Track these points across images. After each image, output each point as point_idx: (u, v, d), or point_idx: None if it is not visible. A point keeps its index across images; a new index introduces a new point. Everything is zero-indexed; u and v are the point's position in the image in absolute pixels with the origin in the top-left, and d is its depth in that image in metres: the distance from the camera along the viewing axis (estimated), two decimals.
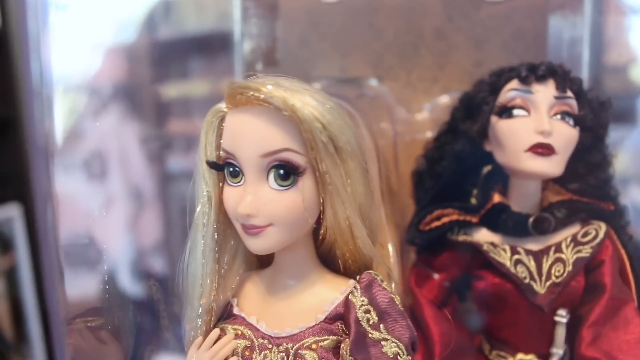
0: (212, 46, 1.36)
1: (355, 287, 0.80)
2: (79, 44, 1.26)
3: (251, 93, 0.73)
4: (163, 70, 1.45)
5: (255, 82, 0.74)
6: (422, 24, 1.19)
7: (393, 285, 0.84)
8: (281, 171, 0.74)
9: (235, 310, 0.84)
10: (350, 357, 0.76)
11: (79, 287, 1.16)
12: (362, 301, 0.78)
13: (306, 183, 0.75)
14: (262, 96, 0.72)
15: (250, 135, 0.74)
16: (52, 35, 1.18)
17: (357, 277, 0.81)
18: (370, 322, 0.78)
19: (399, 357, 0.76)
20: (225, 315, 0.84)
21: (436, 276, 1.02)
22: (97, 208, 1.38)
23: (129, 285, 1.23)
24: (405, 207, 1.10)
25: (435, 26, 1.19)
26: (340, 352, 0.78)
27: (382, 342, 0.77)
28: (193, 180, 0.81)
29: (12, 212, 1.95)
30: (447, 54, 1.20)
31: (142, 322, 1.01)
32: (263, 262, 0.89)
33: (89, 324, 0.95)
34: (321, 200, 0.76)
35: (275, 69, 1.22)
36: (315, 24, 1.21)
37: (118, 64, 1.41)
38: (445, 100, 1.20)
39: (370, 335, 0.77)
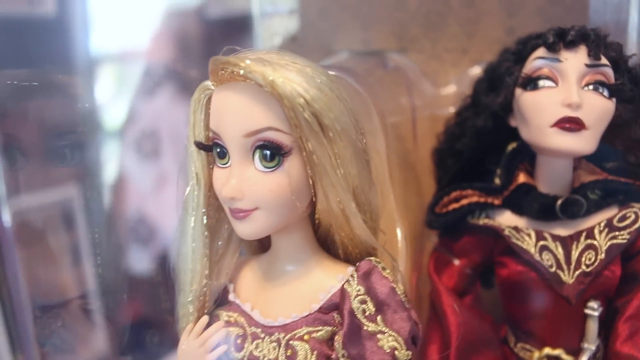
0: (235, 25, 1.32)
1: (352, 276, 0.74)
2: (131, 24, 1.26)
3: (231, 68, 0.68)
4: (213, 51, 1.43)
5: (237, 56, 0.69)
6: None
7: (398, 275, 0.79)
8: (265, 152, 0.69)
9: (231, 297, 0.80)
10: (344, 351, 0.72)
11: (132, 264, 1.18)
12: (358, 290, 0.73)
13: (293, 164, 0.70)
14: (241, 71, 0.67)
15: (233, 114, 0.70)
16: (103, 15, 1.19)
17: (357, 265, 0.76)
18: (367, 313, 0.72)
19: (396, 352, 0.71)
20: (221, 300, 0.81)
21: (457, 262, 0.95)
22: (149, 187, 1.38)
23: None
24: (427, 187, 1.03)
25: None
26: (334, 345, 0.73)
27: (379, 335, 0.71)
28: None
29: None
30: (476, 22, 1.10)
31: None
32: (264, 245, 0.85)
33: (84, 307, 0.94)
34: (311, 183, 0.71)
35: (295, 43, 1.17)
36: None
37: (169, 43, 1.40)
38: (476, 72, 1.11)
39: (365, 327, 0.72)
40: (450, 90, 1.10)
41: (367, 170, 0.74)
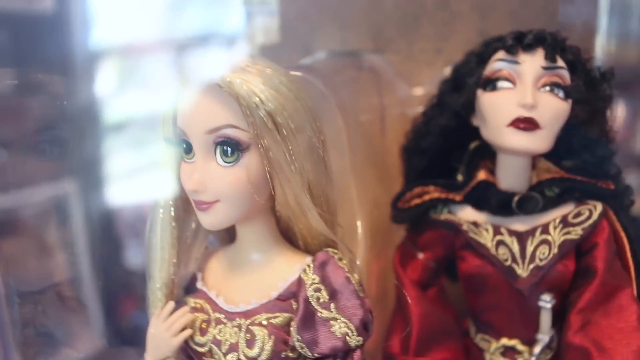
0: None
1: (308, 265, 0.79)
2: (130, 19, 1.30)
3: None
4: None
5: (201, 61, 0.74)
6: None
7: (355, 266, 0.83)
8: (225, 147, 0.74)
9: (199, 284, 0.86)
10: (298, 335, 0.76)
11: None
12: (314, 279, 0.78)
13: (251, 159, 0.75)
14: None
15: (196, 112, 0.75)
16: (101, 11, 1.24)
17: (315, 255, 0.80)
18: (321, 301, 0.77)
19: (347, 337, 0.75)
20: (190, 288, 0.87)
21: (421, 255, 0.99)
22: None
23: None
24: (400, 184, 1.07)
25: None
26: (291, 331, 0.78)
27: (331, 322, 0.76)
28: None
29: None
30: (450, 24, 1.14)
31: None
32: (233, 236, 0.89)
33: (62, 293, 1.00)
34: (269, 177, 0.76)
35: (275, 43, 1.21)
36: None
37: None
38: (449, 72, 1.14)
39: (319, 314, 0.76)
40: (423, 90, 1.13)
41: (323, 166, 0.79)
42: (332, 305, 0.77)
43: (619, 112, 1.35)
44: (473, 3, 1.12)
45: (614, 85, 0.93)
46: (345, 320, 0.76)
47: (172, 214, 0.82)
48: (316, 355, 0.76)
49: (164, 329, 0.81)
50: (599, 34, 1.10)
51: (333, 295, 0.77)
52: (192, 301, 0.84)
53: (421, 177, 1.00)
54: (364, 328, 0.77)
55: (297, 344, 0.77)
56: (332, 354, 0.76)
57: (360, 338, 0.76)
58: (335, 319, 0.76)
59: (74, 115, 1.22)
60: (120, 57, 1.38)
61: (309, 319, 0.76)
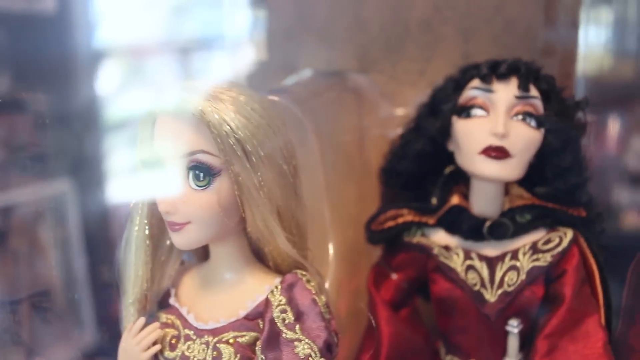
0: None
1: (276, 287, 0.81)
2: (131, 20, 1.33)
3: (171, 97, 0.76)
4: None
5: (178, 87, 0.77)
6: (409, 15, 1.16)
7: (327, 287, 0.85)
8: (197, 172, 0.76)
9: (171, 300, 0.88)
10: (262, 355, 0.78)
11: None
12: (280, 301, 0.80)
13: (222, 184, 0.77)
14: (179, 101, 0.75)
15: (171, 137, 0.77)
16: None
17: (284, 277, 0.82)
18: (286, 322, 0.79)
19: (310, 358, 0.77)
20: (163, 303, 0.89)
21: (394, 276, 1.01)
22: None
23: None
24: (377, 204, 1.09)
25: (422, 17, 1.15)
26: (256, 350, 0.80)
27: (295, 343, 0.78)
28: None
29: None
30: (434, 46, 1.16)
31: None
32: (209, 253, 0.92)
33: (38, 304, 1.02)
34: (239, 201, 0.78)
35: (262, 61, 1.23)
36: (301, 16, 1.20)
37: None
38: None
39: (284, 334, 0.78)
40: (405, 111, 1.15)
41: (293, 191, 0.81)
42: (297, 326, 0.79)
43: (611, 128, 1.37)
44: (457, 26, 1.14)
45: (607, 102, 0.95)
46: (309, 342, 0.78)
47: (147, 232, 0.85)
48: None
49: (134, 343, 0.83)
50: (578, 60, 1.11)
51: (299, 316, 0.79)
52: (164, 316, 0.86)
53: (397, 199, 1.02)
54: (327, 350, 0.79)
55: None
56: None
57: None
58: (300, 340, 0.78)
59: (74, 114, 1.25)
60: (121, 58, 1.41)
61: (273, 339, 0.78)
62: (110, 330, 1.16)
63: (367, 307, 1.01)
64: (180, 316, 0.85)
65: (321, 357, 0.78)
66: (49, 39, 1.25)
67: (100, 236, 1.31)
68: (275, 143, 0.78)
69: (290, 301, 0.80)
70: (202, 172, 0.76)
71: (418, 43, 1.16)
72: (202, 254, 0.93)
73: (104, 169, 1.34)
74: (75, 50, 1.32)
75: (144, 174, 0.83)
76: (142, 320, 0.85)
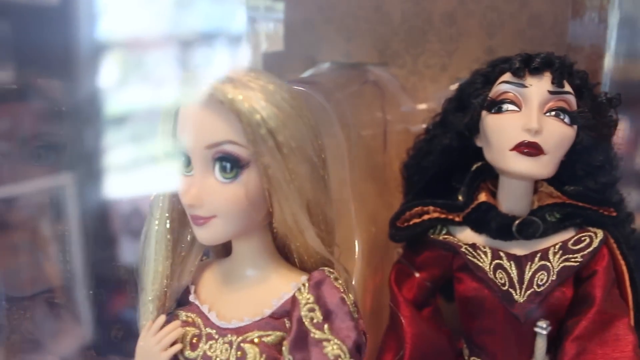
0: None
1: (304, 284, 0.78)
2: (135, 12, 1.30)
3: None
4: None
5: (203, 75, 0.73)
6: (432, 7, 1.13)
7: (351, 287, 0.82)
8: (224, 163, 0.73)
9: (191, 298, 0.84)
10: (290, 356, 0.75)
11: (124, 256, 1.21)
12: (308, 299, 0.77)
13: (250, 176, 0.73)
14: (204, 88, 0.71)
15: (197, 127, 0.74)
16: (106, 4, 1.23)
17: (311, 274, 0.79)
18: (314, 321, 0.76)
19: (339, 359, 0.74)
20: (183, 300, 0.86)
21: (417, 275, 0.98)
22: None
23: None
24: (399, 200, 1.06)
25: (445, 10, 1.12)
26: (283, 350, 0.77)
27: (324, 343, 0.75)
28: None
29: None
30: (456, 40, 1.13)
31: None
32: (229, 250, 0.88)
33: (50, 300, 0.99)
34: (267, 195, 0.75)
35: (280, 52, 1.20)
36: (321, 7, 1.17)
37: None
38: (454, 89, 1.14)
39: (312, 334, 0.75)
40: (428, 106, 1.12)
41: (323, 185, 0.77)
42: (326, 326, 0.75)
43: (621, 130, 1.35)
44: (481, 21, 1.11)
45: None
46: (339, 342, 0.75)
47: (168, 226, 0.81)
48: None
49: (153, 342, 0.80)
50: (607, 56, 1.09)
51: (327, 316, 0.76)
52: (183, 314, 0.83)
53: (421, 195, 0.99)
54: (356, 350, 0.76)
55: None
56: None
57: None
58: (329, 340, 0.75)
59: (75, 108, 1.21)
60: (123, 51, 1.37)
61: (302, 339, 0.75)
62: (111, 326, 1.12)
63: (390, 305, 0.98)
64: (201, 314, 0.82)
65: (351, 357, 0.75)
66: (53, 31, 1.22)
67: (101, 231, 1.28)
68: (306, 134, 0.74)
69: (319, 300, 0.77)
70: (229, 164, 0.73)
71: (441, 37, 1.13)
72: (222, 250, 0.89)
73: (104, 163, 1.30)
74: (78, 43, 1.29)
75: (166, 166, 0.80)
76: (163, 318, 0.81)
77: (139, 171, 0.81)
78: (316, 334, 0.75)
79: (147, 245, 0.82)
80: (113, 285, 1.15)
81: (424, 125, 1.07)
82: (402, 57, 1.16)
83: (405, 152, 1.04)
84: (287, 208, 0.74)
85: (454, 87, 1.14)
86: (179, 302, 0.86)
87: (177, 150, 0.77)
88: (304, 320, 0.76)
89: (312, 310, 0.76)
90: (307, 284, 0.78)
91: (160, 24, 1.33)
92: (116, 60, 1.38)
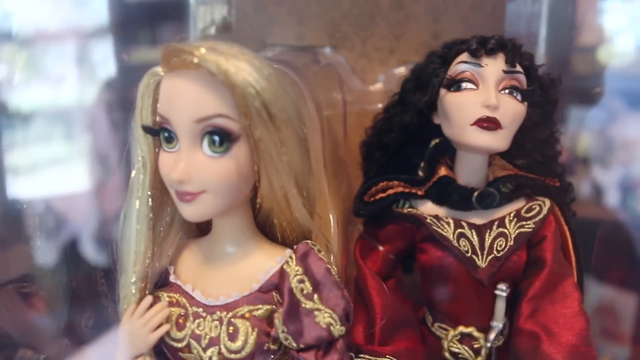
0: (168, 12, 1.33)
1: (290, 257, 0.79)
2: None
3: (184, 56, 0.71)
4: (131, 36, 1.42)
5: (190, 45, 0.72)
6: None
7: (332, 257, 0.85)
8: (215, 137, 0.72)
9: (172, 278, 0.83)
10: (283, 327, 0.76)
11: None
12: (297, 271, 0.78)
13: (240, 150, 0.74)
14: (196, 60, 0.70)
15: (184, 100, 0.72)
16: None
17: (295, 247, 0.81)
18: (304, 292, 0.77)
19: (331, 327, 0.77)
20: (161, 282, 0.84)
21: (381, 248, 1.02)
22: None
23: (92, 252, 1.21)
24: (355, 178, 1.09)
25: None
26: (274, 322, 0.78)
27: (315, 312, 0.77)
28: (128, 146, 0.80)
29: None
30: (404, 25, 1.18)
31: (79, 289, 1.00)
32: (203, 230, 0.88)
33: (21, 290, 0.93)
34: (256, 168, 0.75)
35: (229, 34, 1.19)
36: None
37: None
38: (401, 71, 1.19)
39: (303, 304, 0.77)
40: (378, 87, 1.16)
41: (307, 158, 0.79)
42: (316, 296, 0.78)
43: None
44: (427, 6, 1.17)
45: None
46: (329, 311, 0.77)
47: (150, 204, 0.79)
48: (301, 345, 0.76)
49: (140, 324, 0.78)
50: (539, 42, 1.18)
51: (316, 286, 0.78)
52: (165, 295, 0.82)
53: (382, 172, 1.03)
54: (346, 318, 0.78)
55: (281, 335, 0.77)
56: (316, 344, 0.77)
57: (343, 328, 0.78)
58: (319, 310, 0.77)
59: None
60: (20, 45, 1.32)
61: (294, 310, 0.77)
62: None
63: (356, 279, 1.02)
64: (184, 294, 0.81)
65: (341, 325, 0.77)
66: None
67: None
68: (293, 108, 0.75)
69: (306, 271, 0.78)
70: (219, 137, 0.72)
71: (389, 21, 1.18)
72: (196, 231, 0.89)
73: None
74: None
75: (144, 140, 0.78)
76: (149, 299, 0.80)
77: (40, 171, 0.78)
78: (307, 304, 0.77)
79: (127, 226, 0.80)
80: None
81: (379, 106, 1.11)
82: (352, 40, 1.19)
83: (362, 132, 1.08)
84: (277, 181, 0.75)
85: (401, 70, 1.20)
86: (156, 283, 0.84)
87: (156, 125, 0.76)
88: (294, 291, 0.77)
89: (301, 281, 0.78)
90: (294, 257, 0.79)
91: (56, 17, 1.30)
92: (13, 55, 1.32)
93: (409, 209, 0.99)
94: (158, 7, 1.34)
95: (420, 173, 1.01)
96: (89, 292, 0.99)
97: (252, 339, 0.76)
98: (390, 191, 0.99)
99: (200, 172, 0.73)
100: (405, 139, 1.02)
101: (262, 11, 1.19)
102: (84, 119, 1.41)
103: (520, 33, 1.17)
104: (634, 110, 1.33)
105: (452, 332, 0.99)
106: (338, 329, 0.77)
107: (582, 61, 1.31)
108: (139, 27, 1.37)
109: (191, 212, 0.76)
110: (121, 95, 1.45)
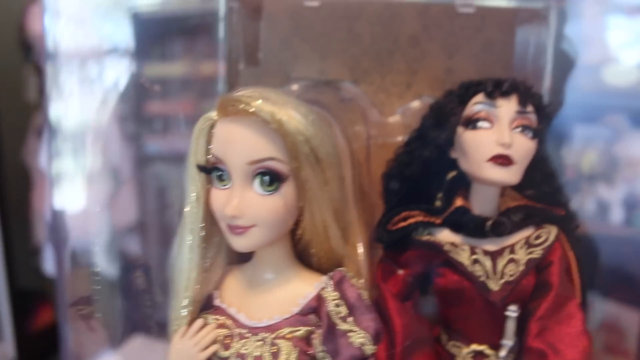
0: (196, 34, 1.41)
1: (327, 283, 0.88)
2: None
3: (242, 106, 0.80)
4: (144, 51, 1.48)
5: (246, 95, 0.81)
6: (398, 31, 1.25)
7: (362, 281, 0.93)
8: (266, 177, 0.81)
9: (217, 302, 0.91)
10: (323, 347, 0.85)
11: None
12: (334, 296, 0.87)
13: (288, 189, 0.82)
14: (252, 109, 0.79)
15: (239, 144, 0.81)
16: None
17: (330, 274, 0.89)
18: (340, 315, 0.86)
19: (364, 346, 0.85)
20: (206, 305, 0.92)
21: (401, 272, 1.10)
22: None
23: (104, 264, 1.28)
24: (375, 207, 1.18)
25: (411, 34, 1.25)
26: (312, 342, 0.86)
27: (349, 333, 0.86)
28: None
29: None
30: (420, 61, 1.26)
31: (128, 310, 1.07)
32: (243, 257, 0.96)
33: (80, 312, 1.01)
34: (301, 204, 0.84)
35: (257, 68, 1.28)
36: (297, 27, 1.26)
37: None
38: (417, 105, 1.27)
39: (338, 327, 0.86)
40: (396, 120, 1.25)
41: (345, 192, 0.88)
42: (350, 318, 0.86)
43: None
44: (442, 44, 1.25)
45: None
46: (362, 332, 0.86)
47: (201, 235, 0.87)
48: None
49: (191, 344, 0.86)
50: (545, 76, 1.27)
51: (350, 309, 0.87)
52: (211, 317, 0.90)
53: (402, 202, 1.11)
54: (376, 338, 0.87)
55: (320, 354, 0.85)
56: None
57: (374, 347, 0.86)
58: (353, 331, 0.86)
59: None
60: None
61: (331, 332, 0.85)
62: None
63: (376, 301, 1.10)
64: (229, 316, 0.89)
65: (373, 344, 0.86)
66: None
67: None
68: (334, 149, 0.84)
69: (342, 296, 0.87)
70: (270, 178, 0.81)
71: (406, 57, 1.26)
72: (238, 256, 0.97)
73: None
74: None
75: (198, 178, 0.86)
76: (201, 321, 0.88)
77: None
78: (342, 326, 0.86)
79: (180, 255, 0.88)
80: None
81: (397, 138, 1.20)
82: (371, 75, 1.27)
83: (384, 162, 1.16)
84: (318, 216, 0.84)
85: (416, 103, 1.29)
86: (202, 307, 0.92)
87: (210, 164, 0.84)
88: (331, 314, 0.86)
89: (338, 305, 0.87)
90: (330, 283, 0.88)
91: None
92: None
93: (428, 236, 1.08)
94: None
95: (438, 203, 1.10)
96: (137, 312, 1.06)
97: (293, 358, 0.85)
98: (411, 220, 1.08)
99: (252, 209, 0.82)
100: (425, 171, 1.11)
101: (288, 47, 1.27)
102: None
103: (527, 69, 1.26)
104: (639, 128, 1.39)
105: (465, 350, 1.08)
106: (370, 348, 0.86)
107: (586, 79, 1.38)
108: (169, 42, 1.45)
109: (241, 243, 0.84)
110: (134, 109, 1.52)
